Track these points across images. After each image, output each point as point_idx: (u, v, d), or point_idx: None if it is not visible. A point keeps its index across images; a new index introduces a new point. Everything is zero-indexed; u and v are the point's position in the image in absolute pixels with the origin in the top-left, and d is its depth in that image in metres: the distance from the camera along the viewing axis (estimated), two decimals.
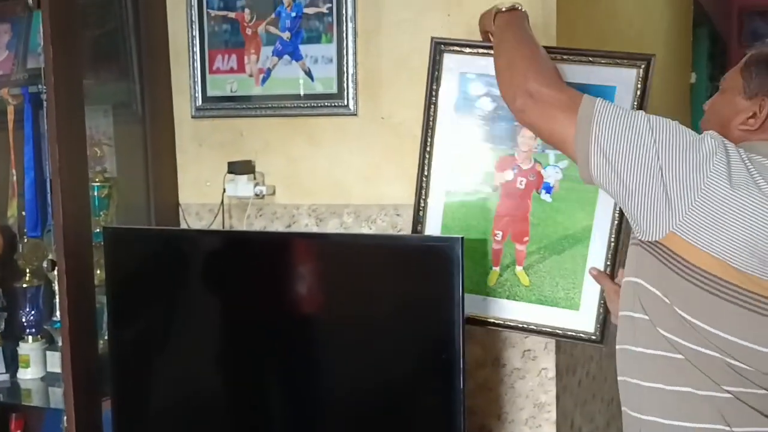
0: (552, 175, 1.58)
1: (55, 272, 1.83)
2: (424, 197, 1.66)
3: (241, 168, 2.00)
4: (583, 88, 1.32)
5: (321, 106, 1.92)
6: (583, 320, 1.59)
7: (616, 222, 1.55)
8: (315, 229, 1.96)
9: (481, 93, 1.62)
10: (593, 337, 1.60)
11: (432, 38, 1.63)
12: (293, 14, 1.92)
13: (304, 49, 1.92)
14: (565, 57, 1.53)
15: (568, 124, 1.21)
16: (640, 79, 1.50)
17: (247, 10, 1.98)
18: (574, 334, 1.61)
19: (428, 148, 1.65)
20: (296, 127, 1.97)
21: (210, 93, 2.05)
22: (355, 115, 1.90)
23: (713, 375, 1.16)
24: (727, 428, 1.16)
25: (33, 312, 2.11)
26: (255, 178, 2.02)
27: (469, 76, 1.62)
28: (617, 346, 1.30)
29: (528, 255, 1.61)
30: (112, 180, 2.06)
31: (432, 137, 1.64)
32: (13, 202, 2.06)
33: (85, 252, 1.84)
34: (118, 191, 2.08)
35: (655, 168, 1.14)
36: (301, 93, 1.94)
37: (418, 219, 1.67)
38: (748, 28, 5.93)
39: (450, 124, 1.64)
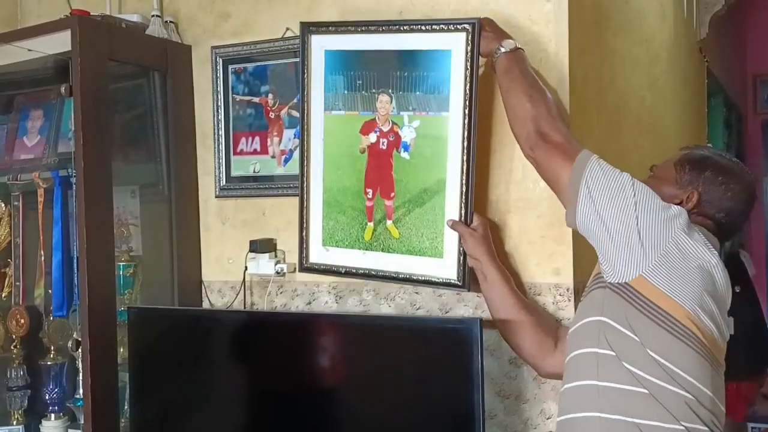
0: (408, 134, 1.72)
1: (79, 351, 1.86)
2: (306, 165, 1.83)
3: (263, 246, 2.04)
4: (423, 54, 1.66)
5: None
6: (446, 267, 1.70)
7: (464, 175, 1.65)
8: (335, 306, 1.98)
9: (343, 66, 1.78)
10: (457, 282, 1.70)
11: (300, 22, 1.84)
12: None
13: None
14: (403, 28, 1.70)
15: (563, 168, 1.42)
16: (468, 42, 1.62)
17: (270, 95, 2.05)
18: (439, 280, 1.72)
19: (305, 121, 1.83)
20: None
21: (234, 173, 2.11)
22: None
23: (672, 409, 1.31)
24: None
25: (56, 389, 2.12)
26: (276, 256, 2.06)
27: (333, 51, 1.79)
28: (573, 383, 1.41)
29: (395, 209, 1.75)
30: (138, 258, 2.11)
31: (308, 113, 1.82)
32: (40, 282, 2.10)
33: (110, 331, 1.88)
34: (142, 269, 2.12)
35: (632, 217, 1.33)
36: None
37: (303, 183, 1.84)
38: (762, 95, 5.99)
39: (321, 99, 1.80)
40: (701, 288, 1.34)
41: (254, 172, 2.09)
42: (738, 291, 4.50)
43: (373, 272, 1.80)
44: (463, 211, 1.66)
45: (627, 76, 2.36)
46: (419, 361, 1.63)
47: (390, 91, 1.73)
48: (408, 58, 1.70)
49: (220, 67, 2.10)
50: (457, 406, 1.56)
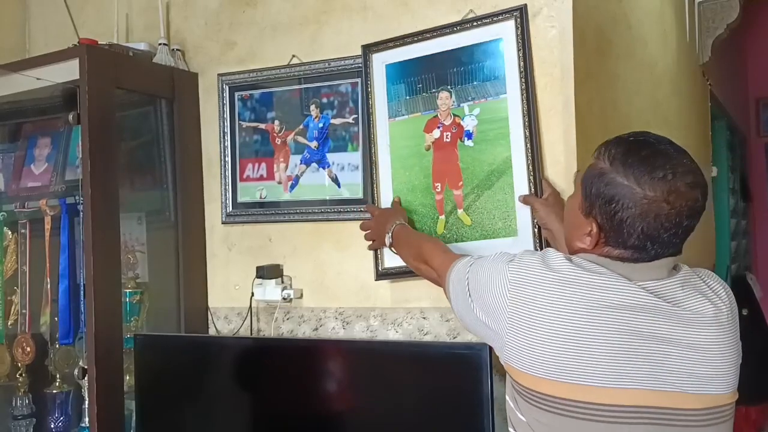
0: (470, 123, 1.78)
1: (85, 379, 1.85)
2: (374, 170, 1.88)
3: (269, 272, 2.03)
4: (476, 47, 1.75)
5: (347, 211, 1.97)
6: (523, 244, 1.67)
7: (529, 149, 1.68)
8: (342, 333, 1.97)
9: (403, 75, 1.87)
10: None
11: (362, 45, 1.91)
12: (320, 125, 2.00)
13: (331, 157, 1.99)
14: (455, 29, 1.78)
15: (443, 277, 1.39)
16: (518, 25, 1.70)
17: (276, 122, 2.06)
18: None
19: (370, 133, 1.89)
20: (323, 231, 2.01)
21: (240, 200, 2.12)
22: None
23: None
24: None
25: (62, 418, 2.11)
26: (283, 282, 2.06)
27: (392, 64, 1.88)
28: None
29: (465, 197, 1.78)
30: (144, 285, 2.11)
31: (374, 125, 1.89)
32: (46, 310, 2.10)
33: (116, 358, 1.87)
34: (149, 296, 2.12)
35: (471, 306, 1.27)
36: (328, 199, 2.00)
37: (372, 190, 1.89)
38: (765, 118, 6.00)
39: (385, 109, 1.88)
40: (563, 335, 1.13)
41: (260, 198, 2.09)
42: (745, 314, 4.49)
43: None
44: (531, 184, 1.68)
45: (630, 100, 2.37)
46: (427, 387, 1.62)
47: (449, 87, 1.80)
48: (462, 53, 1.78)
49: (226, 94, 2.12)
50: None
